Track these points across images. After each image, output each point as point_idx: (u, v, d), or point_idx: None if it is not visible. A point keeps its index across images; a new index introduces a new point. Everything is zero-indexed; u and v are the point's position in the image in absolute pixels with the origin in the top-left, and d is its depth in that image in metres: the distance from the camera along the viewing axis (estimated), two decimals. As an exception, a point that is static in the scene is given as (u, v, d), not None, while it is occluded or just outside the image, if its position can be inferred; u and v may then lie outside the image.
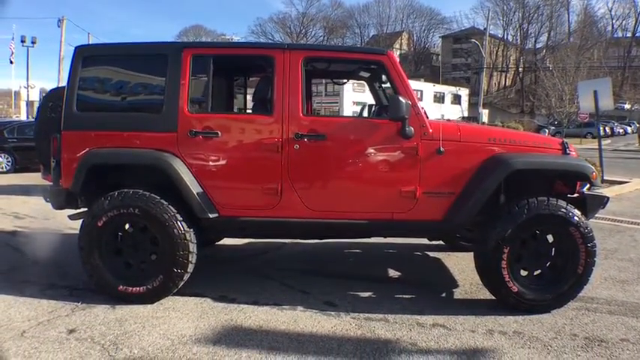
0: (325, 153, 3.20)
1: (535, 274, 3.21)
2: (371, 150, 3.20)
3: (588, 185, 3.38)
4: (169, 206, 3.14)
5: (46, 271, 3.79)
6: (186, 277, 3.22)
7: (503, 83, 62.78)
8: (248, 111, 4.39)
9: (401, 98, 3.05)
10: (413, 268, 4.27)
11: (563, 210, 3.07)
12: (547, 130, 28.83)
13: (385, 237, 3.73)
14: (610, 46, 47.34)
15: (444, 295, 3.57)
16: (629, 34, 50.95)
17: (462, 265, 4.23)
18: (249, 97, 4.60)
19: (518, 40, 57.72)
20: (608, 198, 3.39)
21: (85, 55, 3.33)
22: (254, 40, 54.76)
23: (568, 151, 3.37)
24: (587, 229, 3.09)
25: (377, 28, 65.04)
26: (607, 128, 27.02)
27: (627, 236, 5.46)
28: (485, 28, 37.35)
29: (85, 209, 3.50)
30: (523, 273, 3.21)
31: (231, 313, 3.11)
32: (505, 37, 58.85)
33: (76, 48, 3.36)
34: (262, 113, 3.29)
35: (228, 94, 4.15)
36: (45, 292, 3.42)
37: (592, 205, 3.30)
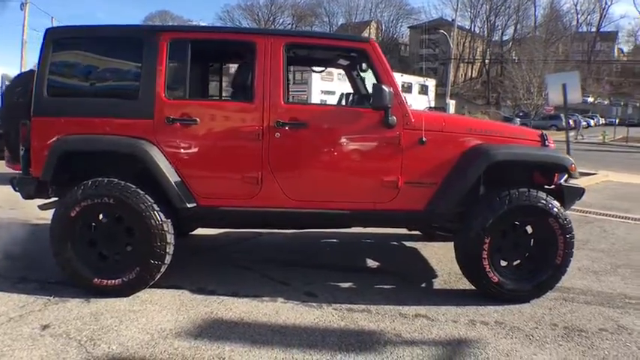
0: (306, 142, 3.09)
1: (514, 264, 3.22)
2: (353, 139, 3.11)
3: (565, 177, 3.39)
4: (146, 196, 2.96)
5: (16, 263, 3.53)
6: (163, 268, 3.06)
7: (470, 74, 63.75)
8: (225, 98, 4.20)
9: (384, 87, 2.96)
10: (391, 258, 4.24)
11: (543, 201, 3.07)
12: (517, 121, 29.52)
13: (366, 227, 3.66)
14: (574, 40, 48.64)
15: (424, 285, 3.55)
16: (593, 29, 52.55)
17: (439, 255, 4.22)
18: (224, 84, 4.40)
19: (485, 33, 58.57)
20: (584, 189, 3.42)
21: (56, 38, 3.08)
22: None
23: (547, 143, 3.36)
24: (566, 221, 3.11)
25: (345, 17, 64.51)
26: (571, 121, 27.79)
27: (596, 227, 5.61)
28: (453, 20, 37.62)
29: (56, 199, 3.27)
30: (503, 263, 3.21)
31: (210, 306, 2.98)
32: (472, 29, 59.57)
33: (46, 30, 3.10)
34: (242, 100, 3.12)
35: (204, 81, 3.95)
36: (16, 285, 3.19)
37: (569, 196, 3.32)
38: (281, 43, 3.07)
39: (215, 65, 4.14)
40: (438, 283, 3.57)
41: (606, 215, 6.18)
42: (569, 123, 9.93)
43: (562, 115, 27.89)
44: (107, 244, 3.05)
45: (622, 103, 26.58)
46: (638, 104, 32.02)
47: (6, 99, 3.43)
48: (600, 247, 4.69)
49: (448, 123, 3.25)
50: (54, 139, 3.03)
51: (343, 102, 4.18)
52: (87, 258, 3.02)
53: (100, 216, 3.05)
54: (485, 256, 3.07)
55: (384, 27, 66.75)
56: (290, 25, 61.26)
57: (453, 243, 4.45)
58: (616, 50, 55.44)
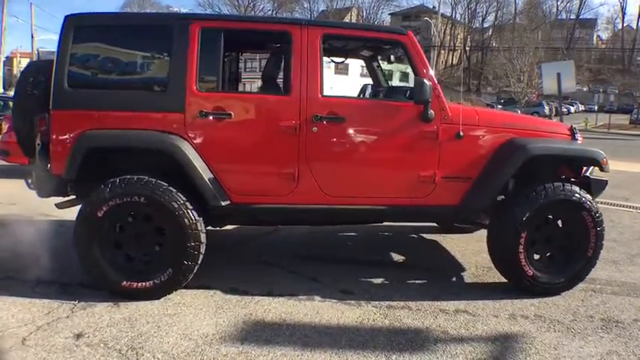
0: (344, 136, 3.03)
1: (547, 257, 3.26)
2: (391, 134, 3.08)
3: (591, 169, 3.46)
4: (178, 194, 2.85)
5: (28, 264, 3.37)
6: (196, 269, 2.98)
7: (450, 62, 64.31)
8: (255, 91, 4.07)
9: (425, 81, 2.92)
10: (415, 251, 4.25)
11: (577, 195, 3.12)
12: (499, 108, 30.02)
13: (399, 222, 3.65)
14: (554, 27, 49.54)
15: (454, 279, 3.57)
16: (573, 17, 53.60)
17: (460, 248, 4.26)
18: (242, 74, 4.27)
19: (466, 20, 59.03)
20: (607, 181, 3.49)
21: (77, 25, 2.91)
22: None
23: (577, 137, 3.40)
24: (598, 214, 3.17)
25: (326, 3, 63.67)
26: (553, 108, 28.55)
27: (604, 217, 5.71)
28: (434, 7, 37.74)
29: (74, 197, 3.13)
30: (536, 257, 3.25)
31: (248, 307, 2.92)
32: (453, 16, 59.93)
33: (66, 17, 2.92)
34: (278, 93, 3.03)
35: (235, 72, 3.81)
36: (35, 289, 3.05)
37: (596, 188, 3.38)
38: (318, 33, 2.98)
39: (232, 55, 4.01)
40: (468, 277, 3.61)
41: (609, 204, 6.34)
42: (560, 109, 10.16)
43: (544, 103, 28.65)
44: (136, 244, 2.94)
45: (601, 90, 27.33)
46: (617, 91, 33.06)
47: (18, 90, 3.24)
48: (611, 237, 4.81)
49: (483, 117, 3.25)
50: (77, 133, 2.88)
51: (366, 94, 4.13)
52: (114, 260, 2.91)
53: (129, 215, 2.93)
54: (522, 250, 3.10)
55: (364, 13, 66.44)
56: (270, 12, 60.15)
57: (470, 234, 4.61)
58: (595, 37, 56.89)
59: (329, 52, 3.61)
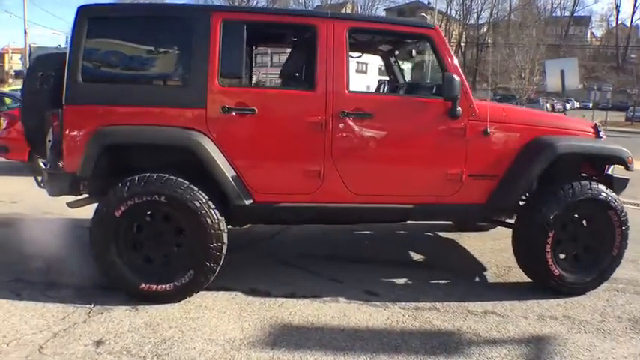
0: (371, 133, 2.96)
1: (572, 256, 3.24)
2: (419, 131, 3.02)
3: (612, 168, 3.44)
4: (200, 192, 2.76)
5: (37, 266, 3.27)
6: (217, 270, 2.90)
7: (445, 58, 64.10)
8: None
9: (455, 76, 2.87)
10: (433, 250, 4.21)
11: (603, 194, 3.10)
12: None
13: (424, 221, 3.60)
14: (549, 24, 49.86)
15: (477, 279, 3.54)
16: (567, 14, 53.98)
17: (477, 246, 4.23)
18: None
19: (462, 16, 59.14)
20: (628, 180, 3.47)
21: (92, 17, 2.80)
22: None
23: (600, 134, 3.38)
24: (623, 212, 3.15)
25: (321, -2, 63.44)
26: (548, 104, 28.77)
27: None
28: (429, 2, 37.68)
29: (86, 196, 3.03)
30: (561, 256, 3.22)
31: (272, 309, 2.86)
32: (448, 12, 59.96)
33: (79, 8, 2.81)
34: (303, 88, 2.95)
35: (250, 66, 3.72)
36: (46, 293, 2.95)
37: (618, 187, 3.36)
38: (344, 27, 2.91)
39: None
40: (490, 277, 3.57)
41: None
42: (565, 106, 10.18)
43: (540, 99, 28.88)
44: (155, 245, 2.85)
45: (595, 87, 27.66)
46: (611, 88, 33.48)
47: (27, 85, 3.12)
48: (630, 237, 4.82)
49: (509, 114, 3.21)
50: (92, 130, 2.78)
51: (382, 89, 4.07)
52: (132, 261, 2.82)
53: (149, 215, 2.84)
54: (549, 250, 3.07)
55: (359, 8, 66.25)
56: (265, 5, 59.68)
57: (486, 232, 4.58)
58: (589, 35, 57.40)
59: (353, 46, 3.54)
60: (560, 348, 2.55)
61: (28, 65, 3.64)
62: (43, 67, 3.09)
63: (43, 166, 3.11)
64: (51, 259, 3.42)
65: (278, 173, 2.95)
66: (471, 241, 4.37)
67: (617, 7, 55.26)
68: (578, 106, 36.11)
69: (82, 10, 2.81)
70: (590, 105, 27.88)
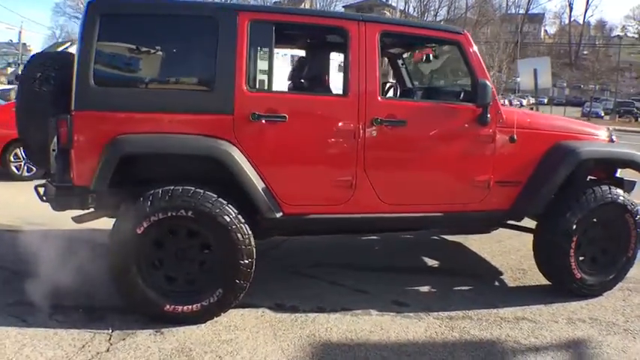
0: (404, 141, 2.94)
1: (590, 259, 3.36)
2: (450, 138, 3.02)
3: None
4: (229, 206, 2.62)
5: (35, 285, 2.98)
6: (247, 287, 2.77)
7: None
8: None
9: (488, 83, 2.88)
10: (444, 254, 4.24)
11: (622, 197, 3.23)
12: None
13: (450, 228, 3.61)
14: (504, 22, 51.94)
15: (497, 283, 3.61)
16: (522, 11, 56.48)
17: (486, 249, 4.32)
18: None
19: (420, 13, 60.36)
20: (636, 182, 3.65)
21: (104, 13, 2.57)
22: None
23: (613, 139, 3.53)
24: (639, 215, 3.30)
25: (280, -7, 62.71)
26: (506, 101, 30.01)
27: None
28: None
29: (92, 210, 2.82)
30: (581, 259, 3.33)
31: (306, 326, 2.77)
32: (406, 10, 61.04)
33: (89, 4, 2.57)
34: (336, 94, 2.87)
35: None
36: (54, 317, 2.70)
37: (628, 189, 3.51)
38: (376, 30, 2.84)
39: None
40: (508, 281, 3.65)
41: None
42: (536, 103, 10.66)
43: (511, 97, 30.12)
44: (179, 264, 2.68)
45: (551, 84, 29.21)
46: (565, 84, 35.44)
47: (23, 88, 2.83)
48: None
49: (533, 119, 3.28)
50: (106, 138, 2.57)
51: (390, 93, 4.04)
52: (155, 281, 2.64)
53: (173, 232, 2.66)
54: (572, 254, 3.18)
55: (318, 5, 66.03)
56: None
57: (488, 235, 4.68)
58: (542, 32, 60.35)
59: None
60: (598, 351, 2.64)
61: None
62: (42, 67, 2.83)
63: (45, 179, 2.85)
64: (49, 276, 3.12)
65: (309, 183, 2.85)
66: (477, 244, 4.45)
67: (570, 4, 58.51)
68: (533, 101, 37.99)
69: (92, 5, 2.58)
70: (545, 101, 29.39)
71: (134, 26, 2.66)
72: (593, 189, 3.19)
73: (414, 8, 60.36)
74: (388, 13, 35.10)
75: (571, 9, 57.54)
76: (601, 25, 60.12)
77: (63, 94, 2.84)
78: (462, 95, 3.17)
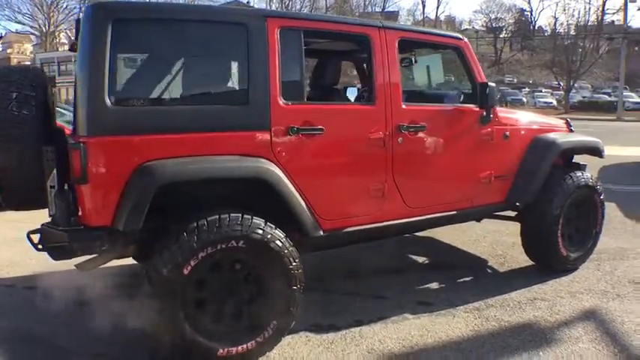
0: (424, 145, 3.11)
1: (568, 237, 3.89)
2: (461, 139, 3.27)
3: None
4: (277, 230, 2.51)
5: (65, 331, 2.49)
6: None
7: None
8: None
9: (494, 85, 3.19)
10: (425, 250, 4.48)
11: (591, 180, 3.82)
12: None
13: (457, 223, 3.84)
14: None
15: (489, 271, 4.00)
16: (378, 9, 60.92)
17: (456, 240, 4.68)
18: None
19: (280, 14, 61.40)
20: (586, 165, 4.32)
21: (118, 19, 2.24)
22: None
23: (572, 129, 4.13)
24: (603, 195, 3.93)
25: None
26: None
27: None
28: (248, 1, 38.36)
29: (96, 255, 2.48)
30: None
31: (359, 343, 2.79)
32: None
33: (94, 7, 2.22)
34: (364, 103, 2.91)
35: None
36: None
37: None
38: (395, 37, 2.95)
39: None
40: (497, 267, 4.05)
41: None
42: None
43: None
44: (227, 300, 2.49)
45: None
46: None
47: None
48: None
49: (517, 117, 3.70)
50: (131, 167, 2.27)
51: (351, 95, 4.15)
52: (202, 324, 2.41)
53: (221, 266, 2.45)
54: (559, 235, 3.68)
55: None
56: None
57: (450, 226, 5.07)
58: (397, 28, 66.00)
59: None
60: (611, 316, 3.09)
61: None
62: (15, 85, 2.38)
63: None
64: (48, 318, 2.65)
65: (344, 196, 2.86)
66: (446, 236, 4.77)
67: (423, 2, 64.91)
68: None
69: (101, 10, 2.24)
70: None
71: (155, 34, 2.37)
72: (570, 175, 3.73)
73: (276, 8, 61.56)
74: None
75: (424, 6, 64.14)
76: (451, 20, 68.08)
77: (45, 118, 2.44)
78: (462, 97, 3.45)
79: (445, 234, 4.82)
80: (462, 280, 3.74)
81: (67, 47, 42.02)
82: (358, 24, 2.90)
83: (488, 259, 4.23)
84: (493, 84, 3.23)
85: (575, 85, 32.85)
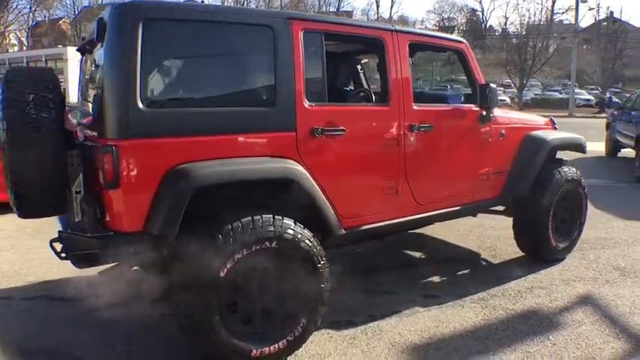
0: (433, 144, 3.28)
1: (556, 228, 4.19)
2: (465, 137, 3.47)
3: None
4: (306, 229, 2.59)
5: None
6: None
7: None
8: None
9: (494, 86, 3.40)
10: (418, 245, 4.67)
11: (577, 174, 4.13)
12: None
13: (458, 218, 4.02)
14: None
15: (484, 263, 4.25)
16: (332, 9, 61.61)
17: (445, 234, 4.88)
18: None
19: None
20: (567, 160, 4.65)
21: (149, 18, 2.24)
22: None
23: (556, 126, 4.44)
24: (586, 188, 4.25)
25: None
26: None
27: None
28: (202, 1, 37.95)
29: (115, 262, 2.48)
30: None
31: (381, 337, 2.92)
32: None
33: (124, 5, 2.20)
34: (380, 104, 3.03)
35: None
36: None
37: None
38: (406, 40, 3.10)
39: None
40: (491, 259, 4.30)
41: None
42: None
43: None
44: (259, 300, 2.53)
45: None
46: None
47: (11, 115, 2.27)
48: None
49: (510, 116, 3.95)
50: (162, 170, 2.28)
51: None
52: (235, 326, 2.46)
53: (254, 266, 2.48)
54: (551, 227, 3.96)
55: None
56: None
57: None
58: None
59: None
60: (606, 301, 3.39)
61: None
62: (32, 86, 2.32)
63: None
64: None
65: (362, 195, 2.98)
66: (436, 230, 4.95)
67: (377, 1, 65.92)
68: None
69: (130, 9, 2.23)
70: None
71: (184, 35, 2.39)
72: (558, 170, 4.02)
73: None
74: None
75: (378, 5, 65.28)
76: (404, 20, 69.66)
77: (63, 120, 2.41)
78: (462, 98, 3.65)
79: (432, 230, 5.01)
80: (460, 272, 3.96)
81: (16, 48, 39.34)
82: (373, 27, 3.01)
83: (480, 252, 4.48)
84: (494, 85, 3.44)
85: (527, 83, 34.50)
